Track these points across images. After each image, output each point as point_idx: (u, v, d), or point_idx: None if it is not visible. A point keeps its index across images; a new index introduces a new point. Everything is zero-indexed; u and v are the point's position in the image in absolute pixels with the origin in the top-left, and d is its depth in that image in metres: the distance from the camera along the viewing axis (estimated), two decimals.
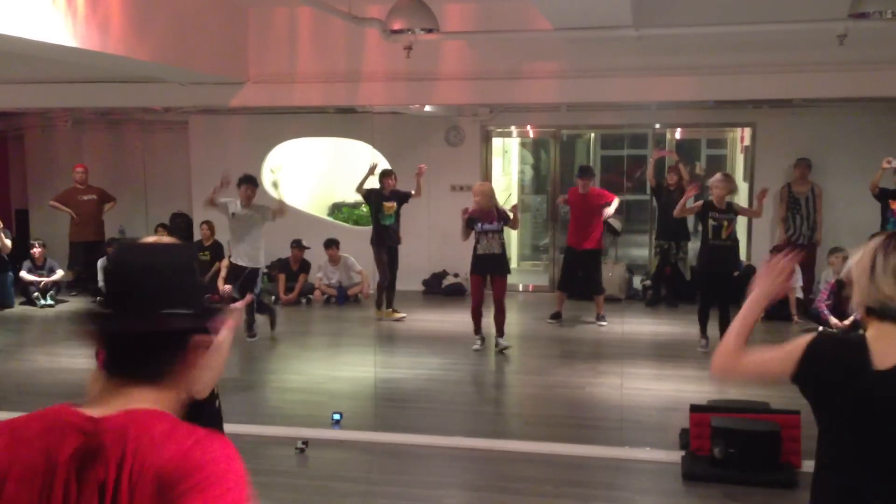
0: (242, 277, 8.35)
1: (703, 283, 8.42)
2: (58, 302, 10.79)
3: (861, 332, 2.30)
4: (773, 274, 2.40)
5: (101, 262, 10.99)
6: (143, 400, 1.44)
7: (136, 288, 1.47)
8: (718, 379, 2.41)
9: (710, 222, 8.01)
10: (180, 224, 12.32)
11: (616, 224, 10.44)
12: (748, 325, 2.36)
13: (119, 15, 5.86)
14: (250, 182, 8.44)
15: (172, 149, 12.42)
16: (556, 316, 9.57)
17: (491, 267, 8.24)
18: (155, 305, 1.45)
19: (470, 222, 8.18)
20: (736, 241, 8.26)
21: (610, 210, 9.63)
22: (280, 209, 8.54)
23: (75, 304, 10.71)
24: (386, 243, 9.61)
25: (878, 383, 2.14)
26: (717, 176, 8.25)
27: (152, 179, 12.42)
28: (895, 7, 4.98)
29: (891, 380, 2.14)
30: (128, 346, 1.47)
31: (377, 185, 9.58)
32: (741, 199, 11.80)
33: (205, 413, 2.99)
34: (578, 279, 9.72)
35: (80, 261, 11.33)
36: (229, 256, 10.47)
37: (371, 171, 9.41)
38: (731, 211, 8.09)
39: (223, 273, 10.67)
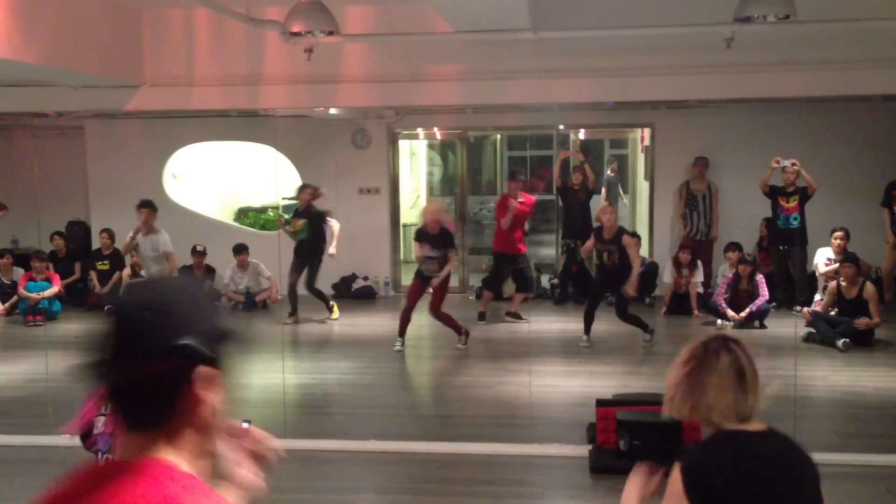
0: None
1: (593, 291, 8.73)
2: None
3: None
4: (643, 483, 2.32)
5: None
6: (158, 453, 1.36)
7: (121, 329, 1.37)
8: None
9: (597, 247, 8.30)
10: (77, 232, 11.89)
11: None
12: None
13: (3, 16, 5.59)
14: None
15: (68, 154, 11.95)
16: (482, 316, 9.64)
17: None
18: (141, 344, 1.35)
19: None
20: (623, 266, 8.15)
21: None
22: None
23: None
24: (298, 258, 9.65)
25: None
26: (603, 205, 8.72)
27: (46, 186, 11.86)
28: (777, 11, 5.22)
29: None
30: (125, 394, 1.38)
31: None
32: (642, 196, 12.16)
33: None
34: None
35: None
36: (131, 266, 10.17)
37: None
38: (615, 242, 8.17)
39: (125, 283, 10.34)
